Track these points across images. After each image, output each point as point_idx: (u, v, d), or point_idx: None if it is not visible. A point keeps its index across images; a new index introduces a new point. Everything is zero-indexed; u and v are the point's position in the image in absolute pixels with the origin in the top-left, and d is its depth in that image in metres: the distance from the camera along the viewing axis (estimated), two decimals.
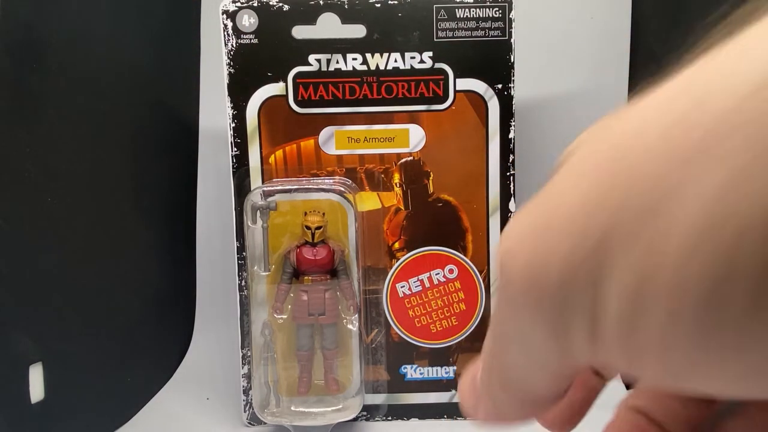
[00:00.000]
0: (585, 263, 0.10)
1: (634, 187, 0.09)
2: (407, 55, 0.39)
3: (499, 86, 0.40)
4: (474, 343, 0.42)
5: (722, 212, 0.08)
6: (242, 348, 0.41)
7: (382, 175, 0.41)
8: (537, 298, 0.11)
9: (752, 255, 0.08)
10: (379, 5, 0.39)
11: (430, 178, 0.41)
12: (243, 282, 0.40)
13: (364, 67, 0.39)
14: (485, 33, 0.39)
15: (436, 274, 0.41)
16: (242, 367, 0.41)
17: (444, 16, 0.39)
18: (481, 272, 0.41)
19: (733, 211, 0.08)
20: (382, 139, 0.40)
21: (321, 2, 0.39)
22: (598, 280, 0.10)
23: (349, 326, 0.40)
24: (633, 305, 0.09)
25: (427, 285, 0.42)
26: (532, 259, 0.11)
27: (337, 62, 0.39)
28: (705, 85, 0.09)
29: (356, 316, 0.40)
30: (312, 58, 0.39)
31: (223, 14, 0.39)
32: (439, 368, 0.42)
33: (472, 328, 0.42)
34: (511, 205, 0.41)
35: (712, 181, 0.08)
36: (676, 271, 0.09)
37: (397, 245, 0.41)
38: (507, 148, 0.40)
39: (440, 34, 0.39)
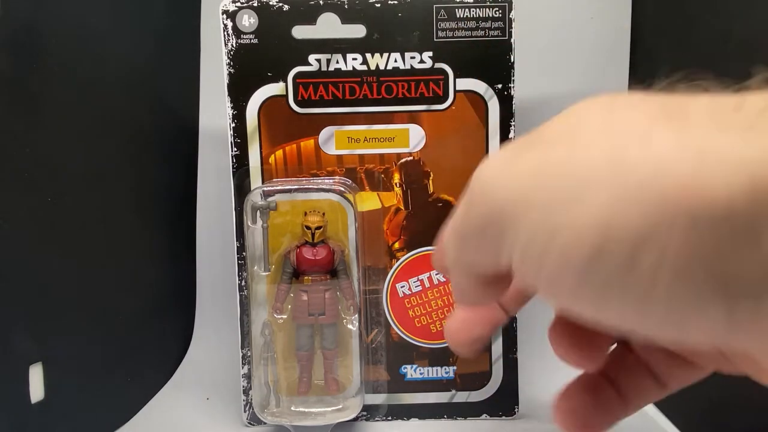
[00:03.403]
0: (501, 221, 0.16)
1: (552, 195, 0.14)
2: (407, 55, 0.39)
3: (499, 86, 0.40)
4: None
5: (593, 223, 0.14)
6: (242, 348, 0.41)
7: (382, 175, 0.41)
8: (486, 210, 0.16)
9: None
10: (379, 5, 0.39)
11: (430, 178, 0.41)
12: (243, 282, 0.41)
13: (364, 67, 0.39)
14: (485, 33, 0.39)
15: (436, 274, 0.41)
16: (242, 367, 0.41)
17: (444, 16, 0.39)
18: None
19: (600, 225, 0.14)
20: (382, 139, 0.40)
21: (321, 2, 0.39)
22: (513, 231, 0.15)
23: (349, 326, 0.40)
24: (532, 257, 0.15)
25: (427, 285, 0.42)
26: (497, 181, 0.16)
27: (337, 62, 0.39)
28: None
29: (356, 316, 0.40)
30: (312, 58, 0.39)
31: (223, 14, 0.39)
32: (439, 368, 0.42)
33: None
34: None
35: (598, 201, 0.14)
36: (565, 244, 0.14)
37: (397, 245, 0.41)
38: None
39: (440, 34, 0.39)
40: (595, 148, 0.14)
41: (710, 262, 0.13)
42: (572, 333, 0.19)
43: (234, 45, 0.39)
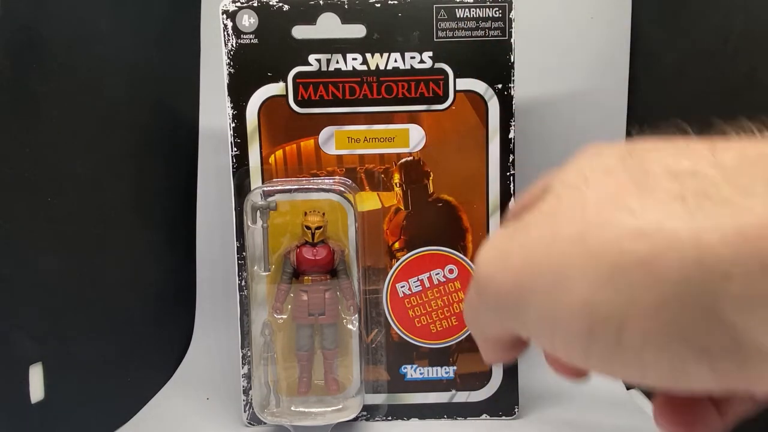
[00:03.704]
0: (515, 295, 0.17)
1: (549, 278, 0.16)
2: (407, 55, 0.39)
3: (499, 86, 0.40)
4: (474, 342, 0.42)
5: (585, 301, 0.15)
6: (242, 348, 0.41)
7: (382, 175, 0.41)
8: (493, 300, 0.18)
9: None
10: (379, 5, 0.39)
11: (430, 178, 0.41)
12: (243, 282, 0.41)
13: (364, 67, 0.39)
14: (485, 33, 0.39)
15: (436, 274, 0.41)
16: (242, 367, 0.41)
17: (444, 16, 0.39)
18: None
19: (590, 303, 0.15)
20: (382, 139, 0.40)
21: (321, 2, 0.39)
22: (521, 316, 0.17)
23: (349, 326, 0.40)
24: (542, 339, 0.17)
25: (427, 285, 0.42)
26: (496, 277, 0.18)
27: (337, 62, 0.39)
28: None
29: (356, 316, 0.40)
30: (312, 58, 0.39)
31: (223, 14, 0.39)
32: (439, 368, 0.42)
33: None
34: (511, 205, 0.41)
35: (579, 286, 0.15)
36: (568, 318, 0.16)
37: (397, 245, 0.41)
38: (507, 148, 0.40)
39: (440, 34, 0.39)
40: (568, 232, 0.16)
41: (685, 336, 0.14)
42: (675, 410, 0.20)
43: (234, 45, 0.39)
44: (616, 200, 0.15)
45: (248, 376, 0.41)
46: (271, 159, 0.40)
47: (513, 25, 0.39)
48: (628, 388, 0.47)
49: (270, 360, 0.40)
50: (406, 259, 0.41)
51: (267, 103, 0.40)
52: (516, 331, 0.18)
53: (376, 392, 0.42)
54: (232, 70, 0.39)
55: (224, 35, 0.39)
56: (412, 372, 0.42)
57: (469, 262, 0.41)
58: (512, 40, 0.39)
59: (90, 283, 0.40)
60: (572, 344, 0.16)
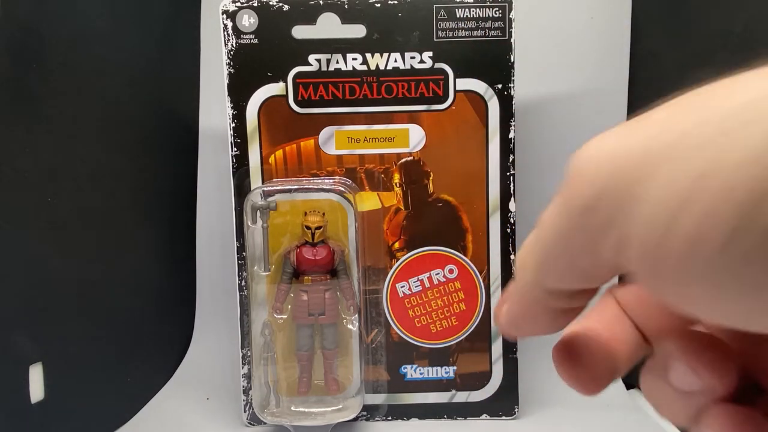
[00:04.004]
0: (620, 190, 0.13)
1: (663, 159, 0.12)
2: (407, 55, 0.39)
3: (499, 86, 0.40)
4: (474, 342, 0.42)
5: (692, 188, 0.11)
6: (242, 348, 0.41)
7: (382, 175, 0.41)
8: (586, 209, 0.13)
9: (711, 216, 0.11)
10: (379, 5, 0.39)
11: (430, 178, 0.41)
12: (243, 282, 0.41)
13: (364, 67, 0.39)
14: (485, 33, 0.39)
15: (436, 274, 0.41)
16: (242, 367, 0.41)
17: (444, 16, 0.39)
18: (481, 272, 0.41)
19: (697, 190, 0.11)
20: (382, 139, 0.40)
21: (321, 2, 0.39)
22: (629, 208, 0.13)
23: (349, 326, 0.40)
24: (653, 234, 0.12)
25: (427, 285, 0.42)
26: (595, 169, 0.14)
27: (337, 62, 0.39)
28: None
29: (356, 316, 0.40)
30: (312, 58, 0.39)
31: (223, 14, 0.39)
32: (439, 368, 0.42)
33: (472, 328, 0.42)
34: (511, 205, 0.41)
35: (754, 134, 0.11)
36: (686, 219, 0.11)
37: (397, 245, 0.41)
38: (507, 148, 0.40)
39: (440, 34, 0.39)
40: (744, 90, 0.12)
41: None
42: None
43: (234, 45, 0.39)
44: None
45: (248, 376, 0.41)
46: (271, 159, 0.40)
47: (513, 25, 0.39)
48: (628, 388, 0.47)
49: (270, 360, 0.40)
50: (406, 259, 0.41)
51: (267, 103, 0.40)
52: (602, 251, 0.14)
53: (376, 392, 0.42)
54: (232, 70, 0.39)
55: (224, 35, 0.39)
56: (412, 372, 0.42)
57: (469, 262, 0.41)
58: (512, 40, 0.39)
59: (90, 282, 0.40)
60: (706, 237, 0.11)
